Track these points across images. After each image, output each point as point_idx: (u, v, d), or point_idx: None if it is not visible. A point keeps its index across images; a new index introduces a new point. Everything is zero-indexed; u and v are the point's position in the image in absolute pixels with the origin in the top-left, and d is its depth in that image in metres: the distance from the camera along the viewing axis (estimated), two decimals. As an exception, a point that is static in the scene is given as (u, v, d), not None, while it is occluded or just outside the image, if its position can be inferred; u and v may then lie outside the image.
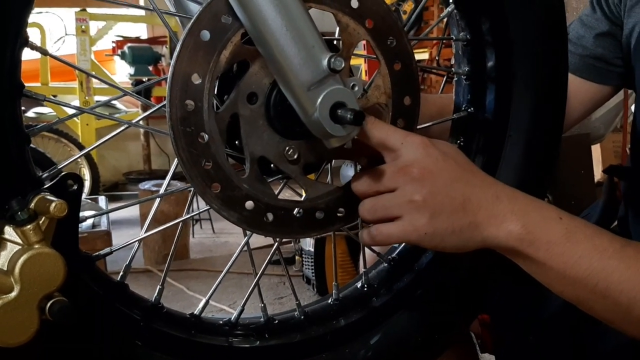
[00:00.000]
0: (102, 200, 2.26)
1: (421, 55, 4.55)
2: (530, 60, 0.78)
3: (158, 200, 0.69)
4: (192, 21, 0.57)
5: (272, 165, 0.65)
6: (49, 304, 0.52)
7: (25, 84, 0.55)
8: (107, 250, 0.65)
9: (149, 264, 3.28)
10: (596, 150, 3.06)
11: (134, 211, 3.96)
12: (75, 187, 0.54)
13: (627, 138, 3.16)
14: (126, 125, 0.67)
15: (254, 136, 0.63)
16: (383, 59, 0.66)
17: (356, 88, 0.60)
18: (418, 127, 0.72)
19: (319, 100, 0.56)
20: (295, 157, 0.64)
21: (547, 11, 0.77)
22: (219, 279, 0.71)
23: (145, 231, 0.67)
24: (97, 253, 0.64)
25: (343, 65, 0.56)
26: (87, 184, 4.61)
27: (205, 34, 0.58)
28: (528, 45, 0.77)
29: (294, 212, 0.65)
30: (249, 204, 0.62)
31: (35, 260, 0.51)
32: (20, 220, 0.51)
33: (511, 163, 0.79)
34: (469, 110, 0.81)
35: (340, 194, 0.68)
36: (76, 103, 5.07)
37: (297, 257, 2.98)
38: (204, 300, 0.70)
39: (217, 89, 0.64)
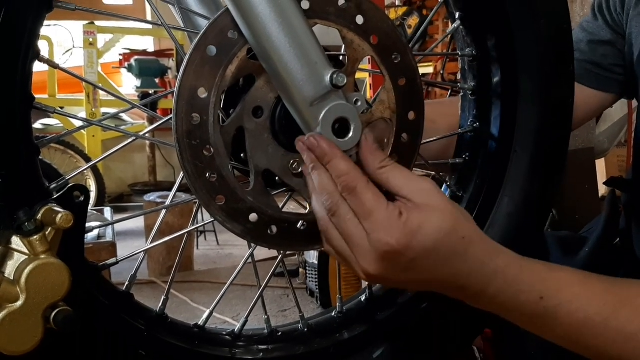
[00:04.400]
0: (107, 212, 2.27)
1: (426, 69, 4.58)
2: (536, 76, 0.78)
3: (163, 211, 0.70)
4: (198, 36, 0.58)
5: (276, 178, 0.66)
6: (53, 314, 0.52)
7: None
8: (112, 260, 0.66)
9: (153, 275, 3.28)
10: (600, 164, 3.05)
11: (139, 223, 3.98)
12: (81, 198, 0.55)
13: (631, 152, 3.16)
14: (133, 138, 0.68)
15: (259, 149, 0.63)
16: (387, 74, 0.67)
17: (359, 103, 0.61)
18: (423, 141, 0.73)
19: (322, 115, 0.57)
20: (300, 170, 0.65)
21: (553, 27, 0.78)
22: (222, 291, 0.72)
23: (151, 242, 0.68)
24: (103, 263, 0.65)
25: (345, 82, 0.56)
26: (92, 195, 4.63)
27: (212, 49, 0.58)
28: (534, 61, 0.78)
29: (298, 225, 0.65)
30: (253, 217, 0.63)
31: (41, 270, 0.52)
32: (27, 231, 0.52)
33: (516, 179, 0.80)
34: (475, 125, 0.82)
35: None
36: (83, 115, 5.11)
37: (301, 270, 2.98)
38: (207, 312, 0.70)
39: (223, 102, 0.65)
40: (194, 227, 0.68)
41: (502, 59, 0.77)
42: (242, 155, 0.65)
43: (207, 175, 0.60)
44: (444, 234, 0.57)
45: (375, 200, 0.57)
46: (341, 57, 0.67)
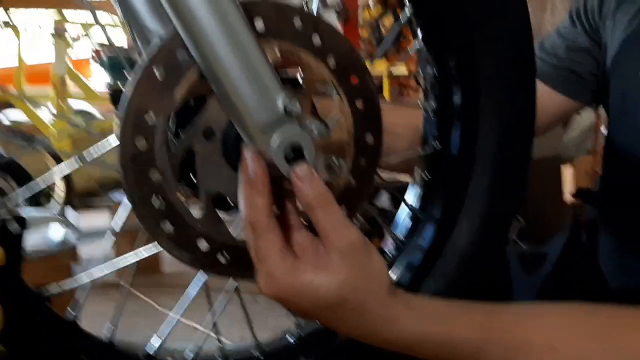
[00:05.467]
0: (71, 214, 2.21)
1: (399, 69, 4.57)
2: (497, 97, 0.77)
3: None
4: (146, 58, 0.56)
5: (230, 203, 0.63)
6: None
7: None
8: (57, 289, 0.63)
9: (122, 276, 3.22)
10: (569, 172, 3.10)
11: (106, 221, 3.89)
12: (18, 230, 0.52)
13: (598, 160, 3.22)
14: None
15: (209, 173, 0.61)
16: (345, 96, 0.65)
17: (315, 130, 0.59)
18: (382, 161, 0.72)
19: (273, 142, 0.55)
20: (254, 194, 0.63)
21: (516, 49, 0.77)
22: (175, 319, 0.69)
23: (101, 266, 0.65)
24: (47, 292, 0.62)
25: (298, 108, 0.54)
26: (61, 194, 4.54)
27: (160, 71, 0.56)
28: (495, 82, 0.77)
29: (251, 252, 0.63)
30: (203, 244, 0.61)
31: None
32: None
33: (476, 198, 0.79)
34: (436, 146, 0.81)
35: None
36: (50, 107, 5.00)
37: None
38: (159, 340, 0.68)
39: (174, 123, 0.62)
40: (141, 256, 0.64)
41: (463, 79, 0.76)
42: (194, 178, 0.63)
43: (153, 201, 0.58)
44: (328, 306, 0.57)
45: (270, 248, 0.56)
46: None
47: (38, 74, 5.39)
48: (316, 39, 0.63)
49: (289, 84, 0.66)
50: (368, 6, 5.09)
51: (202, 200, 0.61)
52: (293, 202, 0.61)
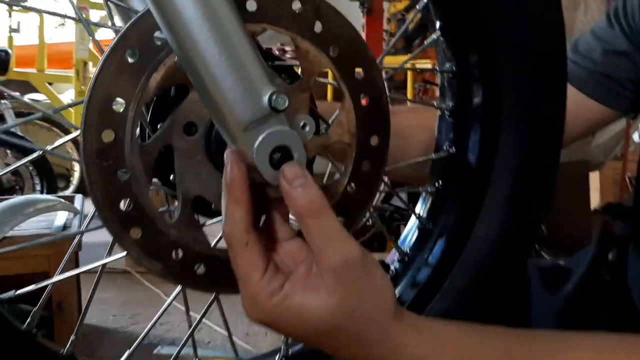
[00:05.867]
0: (78, 199, 2.17)
1: (424, 64, 4.43)
2: (522, 99, 0.69)
3: (77, 237, 0.60)
4: (117, 37, 0.48)
5: (212, 206, 0.56)
6: None
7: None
8: (9, 294, 0.56)
9: (129, 264, 3.18)
10: (595, 178, 2.97)
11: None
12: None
13: (627, 166, 3.08)
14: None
15: (190, 173, 0.54)
16: (348, 92, 0.57)
17: (307, 128, 0.51)
18: (390, 167, 0.64)
19: (257, 143, 0.47)
20: (239, 198, 0.55)
21: (545, 45, 0.68)
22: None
23: (61, 272, 0.58)
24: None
25: (286, 105, 0.46)
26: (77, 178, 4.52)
27: (133, 54, 0.49)
28: (521, 83, 0.68)
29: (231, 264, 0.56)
30: (177, 253, 0.53)
31: None
32: None
33: (493, 214, 0.70)
34: (450, 150, 0.72)
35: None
36: (72, 92, 4.99)
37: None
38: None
39: (150, 115, 0.55)
40: (106, 260, 0.57)
41: (485, 78, 0.68)
42: (172, 178, 0.56)
43: (121, 203, 0.51)
44: (322, 332, 0.50)
45: (250, 267, 0.48)
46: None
47: (60, 56, 5.37)
48: (317, 25, 0.55)
49: (287, 74, 0.59)
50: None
51: (179, 203, 0.54)
52: (283, 210, 0.53)
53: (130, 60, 0.48)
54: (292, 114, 0.52)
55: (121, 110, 0.49)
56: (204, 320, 2.33)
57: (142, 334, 0.61)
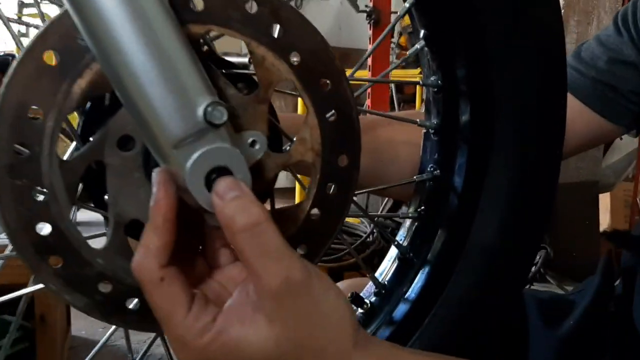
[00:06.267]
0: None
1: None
2: (517, 119, 0.61)
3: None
4: (33, 37, 0.42)
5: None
6: None
7: None
8: None
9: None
10: (605, 199, 2.87)
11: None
12: None
13: (639, 188, 2.98)
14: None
15: (125, 193, 0.47)
16: (312, 106, 0.50)
17: (257, 146, 0.44)
18: (372, 189, 0.57)
19: (190, 162, 0.40)
20: (184, 223, 0.48)
21: (545, 61, 0.61)
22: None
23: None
24: None
25: (225, 119, 0.39)
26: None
27: (52, 56, 0.42)
28: (515, 100, 0.61)
29: (172, 298, 0.49)
30: (105, 286, 0.46)
31: None
32: None
33: (480, 246, 0.63)
34: (435, 172, 0.65)
35: (241, 276, 0.52)
36: None
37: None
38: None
39: (81, 128, 0.48)
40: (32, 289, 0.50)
41: (474, 93, 0.61)
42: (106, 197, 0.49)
43: (37, 227, 0.44)
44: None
45: (169, 305, 0.41)
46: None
47: None
48: (276, 29, 0.48)
49: (244, 84, 0.52)
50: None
51: (110, 227, 0.47)
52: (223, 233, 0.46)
53: (49, 63, 0.42)
54: (247, 128, 0.45)
55: (38, 120, 0.42)
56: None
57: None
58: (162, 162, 0.41)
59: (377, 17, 2.92)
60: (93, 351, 0.58)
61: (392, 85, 4.04)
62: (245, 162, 0.41)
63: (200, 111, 0.39)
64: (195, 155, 0.40)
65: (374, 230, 2.46)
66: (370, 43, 2.98)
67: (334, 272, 2.44)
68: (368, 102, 2.97)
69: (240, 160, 0.41)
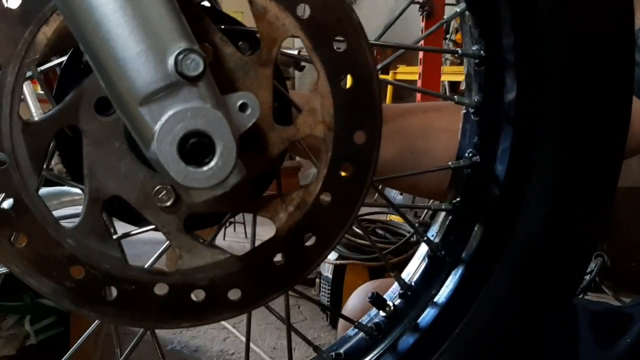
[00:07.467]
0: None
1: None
2: (571, 98, 0.52)
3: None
4: (-8, -25, 0.36)
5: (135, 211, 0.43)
6: None
7: None
8: None
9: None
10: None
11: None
12: None
13: None
14: None
15: (103, 165, 0.41)
16: (323, 69, 0.43)
17: (248, 111, 0.37)
18: (398, 175, 0.49)
19: (159, 125, 0.33)
20: (171, 202, 0.42)
21: (606, 27, 0.51)
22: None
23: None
24: None
25: (202, 69, 0.32)
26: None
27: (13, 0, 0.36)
28: (569, 76, 0.51)
29: (155, 289, 0.42)
30: (77, 270, 0.40)
31: None
32: None
33: (523, 245, 0.54)
34: (473, 159, 0.56)
35: (236, 268, 0.45)
36: None
37: (317, 280, 2.74)
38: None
39: (55, 88, 0.43)
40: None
41: (523, 66, 0.52)
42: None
43: (-5, 199, 0.38)
44: None
45: None
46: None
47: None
48: (282, -25, 0.41)
49: (247, 42, 0.45)
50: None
51: (85, 203, 0.41)
52: None
53: (8, 7, 0.36)
54: (228, 89, 0.38)
55: (-5, 72, 0.36)
56: (231, 329, 2.21)
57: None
58: (127, 122, 0.35)
59: (430, 9, 2.81)
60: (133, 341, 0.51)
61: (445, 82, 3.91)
62: (229, 128, 0.34)
63: (170, 60, 0.32)
64: (165, 116, 0.33)
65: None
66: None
67: (375, 271, 2.35)
68: (418, 97, 2.86)
69: (223, 125, 0.34)
